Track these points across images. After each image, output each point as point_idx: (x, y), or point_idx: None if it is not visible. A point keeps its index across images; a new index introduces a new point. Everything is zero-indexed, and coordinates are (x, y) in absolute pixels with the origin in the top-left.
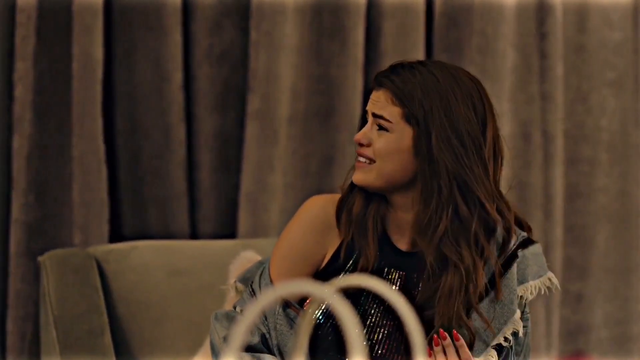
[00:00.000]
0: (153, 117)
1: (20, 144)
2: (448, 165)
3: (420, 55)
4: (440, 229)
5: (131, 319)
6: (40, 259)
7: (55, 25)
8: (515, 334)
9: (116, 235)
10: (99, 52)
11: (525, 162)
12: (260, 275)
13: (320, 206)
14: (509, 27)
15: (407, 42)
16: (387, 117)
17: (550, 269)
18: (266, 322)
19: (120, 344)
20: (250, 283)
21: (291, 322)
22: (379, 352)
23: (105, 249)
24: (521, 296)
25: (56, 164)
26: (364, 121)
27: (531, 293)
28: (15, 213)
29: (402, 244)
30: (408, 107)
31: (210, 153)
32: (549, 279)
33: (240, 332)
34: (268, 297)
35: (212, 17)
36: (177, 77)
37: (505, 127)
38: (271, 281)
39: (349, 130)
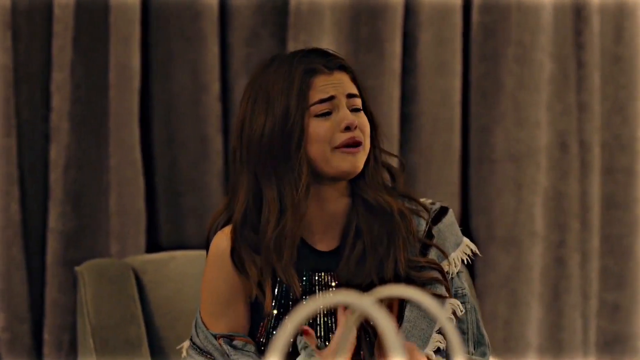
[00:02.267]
0: (190, 127)
1: (57, 154)
2: (379, 129)
3: (457, 66)
4: (380, 182)
5: (168, 329)
6: (77, 268)
7: (92, 35)
8: (454, 313)
9: (153, 246)
10: (136, 62)
11: (563, 172)
12: (195, 326)
13: (223, 240)
14: (546, 37)
15: (444, 52)
16: (357, 93)
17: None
18: None
19: (158, 354)
20: (190, 338)
21: (242, 351)
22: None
23: (142, 259)
24: (447, 272)
25: (93, 174)
26: (327, 112)
27: (455, 266)
28: (52, 223)
29: (324, 245)
30: (358, 81)
31: None
32: (467, 246)
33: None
34: (308, 309)
35: (250, 27)
36: (215, 87)
37: (543, 137)
38: (207, 329)
39: (386, 139)
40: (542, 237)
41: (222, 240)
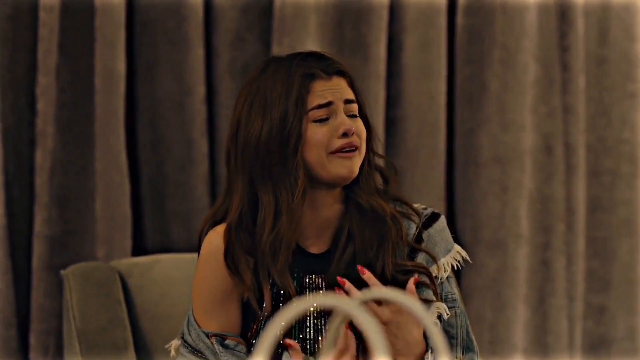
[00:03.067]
0: (176, 131)
1: (42, 158)
2: (373, 133)
3: (442, 69)
4: (374, 186)
5: (154, 332)
6: (63, 272)
7: (78, 40)
8: (440, 317)
9: (139, 249)
10: (121, 66)
11: (548, 175)
12: (187, 324)
13: (216, 239)
14: (530, 39)
15: (429, 55)
16: (354, 99)
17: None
18: None
19: (144, 357)
20: (182, 336)
21: (233, 351)
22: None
23: (128, 262)
24: (436, 276)
25: (79, 178)
26: (325, 118)
27: (445, 271)
28: (37, 227)
29: (315, 247)
30: (356, 86)
31: None
32: (458, 252)
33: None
34: (296, 309)
35: (235, 30)
36: (200, 90)
37: (528, 139)
38: (199, 327)
39: (379, 143)
40: (527, 239)
41: (215, 238)
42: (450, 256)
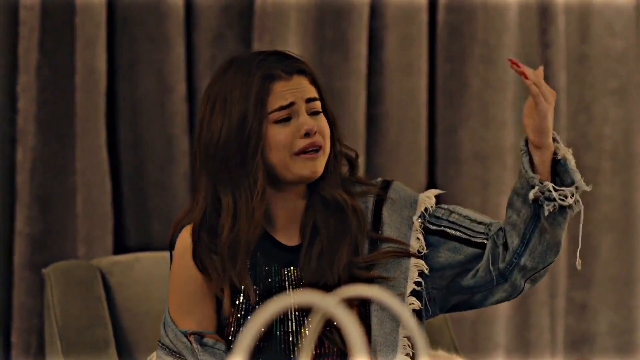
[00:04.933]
0: (156, 128)
1: (23, 156)
2: (338, 124)
3: (423, 66)
4: (338, 180)
5: (136, 330)
6: (44, 271)
7: (58, 38)
8: (422, 273)
9: (120, 247)
10: (102, 65)
11: None
12: (164, 325)
13: (187, 237)
14: (511, 37)
15: (410, 53)
16: (316, 96)
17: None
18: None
19: (125, 355)
20: (159, 340)
21: (211, 349)
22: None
23: (109, 260)
24: (426, 208)
25: (60, 177)
26: (286, 117)
27: (430, 198)
28: (19, 225)
29: (288, 240)
30: (318, 82)
31: None
32: (426, 197)
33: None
34: (274, 307)
35: (215, 28)
36: (181, 88)
37: (509, 136)
38: (176, 326)
39: (352, 141)
40: None
41: (187, 236)
42: (421, 201)
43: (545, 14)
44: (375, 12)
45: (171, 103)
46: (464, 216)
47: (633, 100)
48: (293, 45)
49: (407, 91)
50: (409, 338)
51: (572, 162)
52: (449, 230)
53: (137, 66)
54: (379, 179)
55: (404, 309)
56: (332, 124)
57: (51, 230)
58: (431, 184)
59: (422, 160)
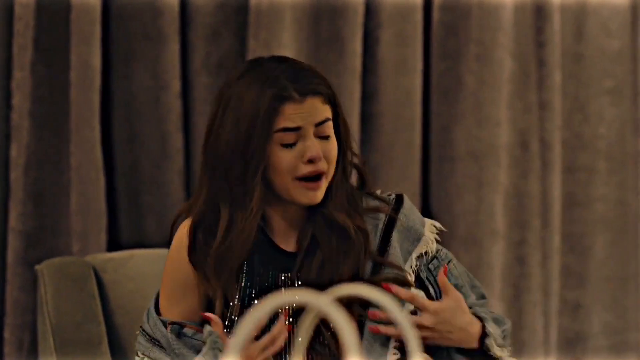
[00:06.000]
0: (151, 125)
1: (18, 152)
2: (349, 140)
3: (418, 64)
4: (344, 200)
5: (129, 327)
6: (37, 267)
7: (53, 34)
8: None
9: (114, 244)
10: (96, 61)
11: (523, 171)
12: (147, 313)
13: (189, 232)
14: (506, 35)
15: (405, 51)
16: (328, 117)
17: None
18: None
19: (118, 352)
20: (141, 325)
21: (189, 339)
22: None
23: (102, 257)
24: (426, 252)
25: (54, 173)
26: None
27: (433, 242)
28: (12, 222)
29: (287, 244)
30: (332, 100)
31: None
32: (432, 225)
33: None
34: (267, 305)
35: (210, 25)
36: (175, 85)
37: (503, 135)
38: (159, 315)
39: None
40: (502, 235)
41: (186, 231)
42: (427, 228)
43: (540, 13)
44: (370, 10)
45: (166, 100)
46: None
47: (628, 100)
48: (288, 43)
49: (402, 89)
50: (399, 348)
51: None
52: (430, 289)
53: (132, 63)
54: (391, 195)
55: (399, 309)
56: (344, 141)
57: (45, 226)
58: (425, 182)
59: (416, 159)
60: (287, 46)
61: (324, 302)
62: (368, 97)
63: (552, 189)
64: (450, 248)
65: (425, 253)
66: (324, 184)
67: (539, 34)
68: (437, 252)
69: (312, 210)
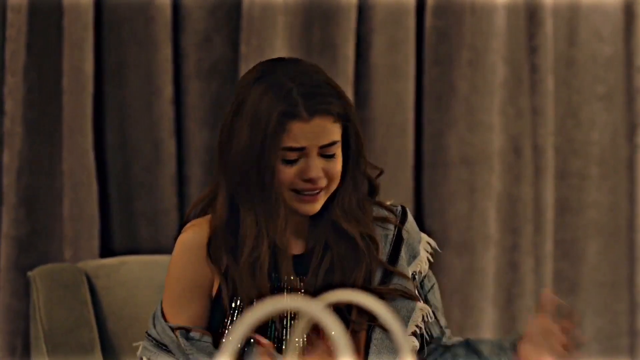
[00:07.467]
0: (143, 131)
1: (10, 158)
2: (362, 150)
3: (411, 70)
4: (354, 209)
5: (121, 334)
6: (30, 273)
7: (45, 40)
8: (423, 318)
9: (106, 250)
10: (89, 67)
11: (516, 176)
12: (153, 318)
13: (197, 232)
14: (499, 41)
15: (398, 56)
16: (335, 140)
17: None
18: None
19: (110, 358)
20: (146, 331)
21: (197, 342)
22: None
23: (95, 264)
24: (420, 271)
25: (46, 179)
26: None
27: (426, 263)
28: (5, 228)
29: (293, 247)
30: (343, 116)
31: (201, 167)
32: (427, 242)
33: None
34: (259, 312)
35: (202, 31)
36: (167, 91)
37: (496, 141)
38: (166, 321)
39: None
40: (495, 241)
41: (196, 232)
42: (422, 248)
43: (533, 18)
44: (362, 15)
45: (158, 105)
46: (433, 310)
47: (621, 105)
48: (281, 48)
49: (394, 95)
50: None
51: None
52: None
53: (124, 68)
54: (397, 207)
55: (392, 317)
56: (354, 154)
57: (37, 232)
58: (418, 188)
59: (409, 165)
60: (280, 52)
61: (316, 308)
62: (360, 102)
63: (545, 194)
64: (443, 254)
65: (419, 272)
66: (322, 197)
67: (532, 39)
68: (434, 300)
69: (317, 215)
